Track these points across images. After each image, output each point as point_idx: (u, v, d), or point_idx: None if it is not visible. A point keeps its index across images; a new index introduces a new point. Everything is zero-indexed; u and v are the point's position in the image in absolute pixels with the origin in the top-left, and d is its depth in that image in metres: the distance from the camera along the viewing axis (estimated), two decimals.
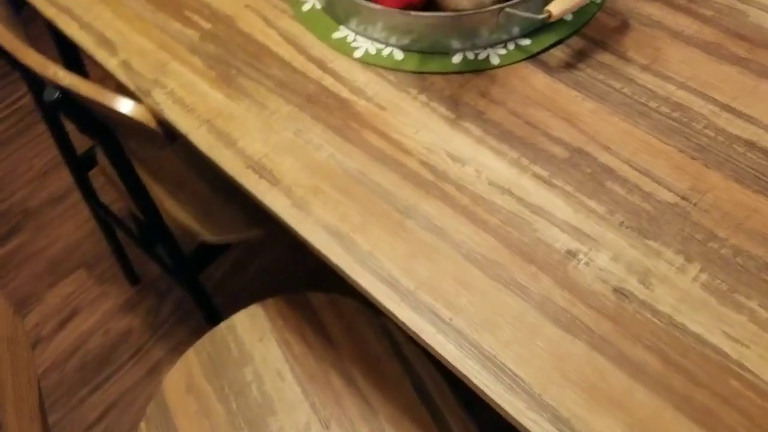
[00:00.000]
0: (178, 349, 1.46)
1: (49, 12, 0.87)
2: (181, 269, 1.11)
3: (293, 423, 0.82)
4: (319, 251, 0.64)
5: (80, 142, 1.23)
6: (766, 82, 0.72)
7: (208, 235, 1.07)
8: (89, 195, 1.29)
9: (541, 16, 0.71)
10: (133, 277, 1.55)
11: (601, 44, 0.77)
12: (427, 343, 0.57)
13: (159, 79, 0.79)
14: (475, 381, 0.55)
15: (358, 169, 0.69)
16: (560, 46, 0.77)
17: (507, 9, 0.73)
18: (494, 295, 0.59)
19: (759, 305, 0.57)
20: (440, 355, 0.57)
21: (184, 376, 0.88)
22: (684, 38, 0.77)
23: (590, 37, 0.78)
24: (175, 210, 1.09)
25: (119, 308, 1.55)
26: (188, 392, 0.87)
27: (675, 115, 0.70)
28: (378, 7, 0.76)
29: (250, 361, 0.88)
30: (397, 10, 0.75)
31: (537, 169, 0.67)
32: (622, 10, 0.80)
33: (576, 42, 0.78)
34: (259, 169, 0.70)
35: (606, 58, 0.76)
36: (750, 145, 0.67)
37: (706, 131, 0.69)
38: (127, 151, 0.94)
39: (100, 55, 0.82)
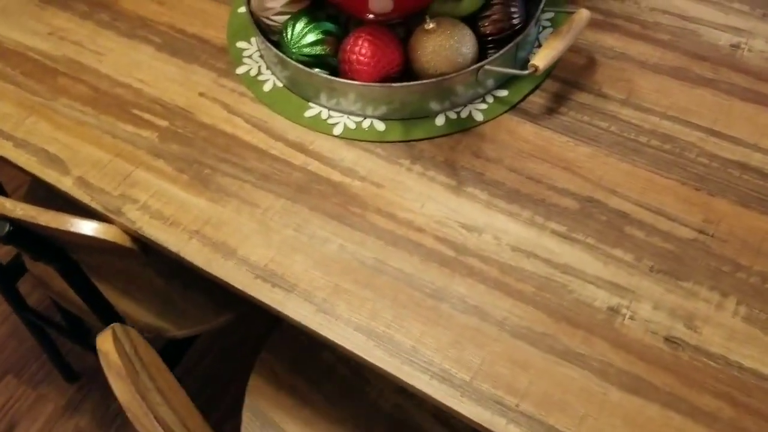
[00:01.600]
0: None
1: None
2: None
3: (389, 384, 0.83)
4: (360, 357, 0.60)
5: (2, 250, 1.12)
6: (737, 101, 0.75)
7: (175, 331, 0.99)
8: (19, 305, 1.17)
9: (526, 72, 0.70)
10: (70, 373, 1.42)
11: (575, 84, 0.78)
12: None
13: (126, 193, 0.72)
14: None
15: (374, 257, 0.66)
16: (537, 92, 0.77)
17: (487, 67, 0.72)
18: (553, 370, 0.58)
19: None
20: None
21: (269, 377, 0.86)
22: (651, 67, 0.79)
23: (562, 78, 0.78)
24: (132, 310, 1.01)
25: (62, 410, 1.42)
26: (278, 390, 0.85)
27: (667, 147, 0.72)
28: (355, 82, 0.72)
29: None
30: (378, 84, 0.72)
31: (554, 226, 0.67)
32: (585, 46, 0.81)
33: (550, 85, 0.78)
34: (270, 276, 0.65)
35: (584, 97, 0.76)
36: (743, 167, 0.70)
37: (700, 159, 0.71)
38: (84, 268, 0.86)
39: (50, 176, 0.73)
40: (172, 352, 1.05)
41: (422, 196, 0.70)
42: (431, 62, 0.72)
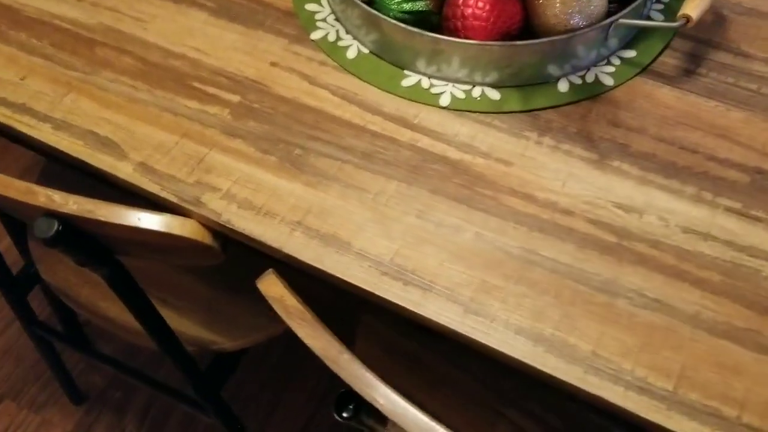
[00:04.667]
0: None
1: None
2: (203, 389, 0.89)
3: None
4: (530, 366, 0.49)
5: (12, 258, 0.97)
6: None
7: (226, 343, 0.86)
8: (28, 320, 1.02)
9: (676, 24, 0.60)
10: (76, 395, 1.27)
11: (709, 43, 0.68)
12: None
13: (203, 180, 0.59)
14: None
15: (520, 246, 0.55)
16: (667, 52, 0.67)
17: (622, 20, 0.62)
18: None
19: None
20: None
21: (378, 342, 0.76)
22: None
23: (693, 37, 0.69)
24: (173, 321, 0.87)
25: None
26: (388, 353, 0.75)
27: None
28: (470, 41, 0.61)
29: None
30: (497, 43, 0.61)
31: (726, 202, 0.57)
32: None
33: (681, 44, 0.68)
34: (399, 273, 0.53)
35: (723, 57, 0.67)
36: None
37: None
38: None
39: (103, 162, 0.60)
40: (223, 366, 0.92)
41: (561, 173, 0.59)
42: (560, 15, 0.61)
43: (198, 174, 0.59)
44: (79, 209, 0.57)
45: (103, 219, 0.56)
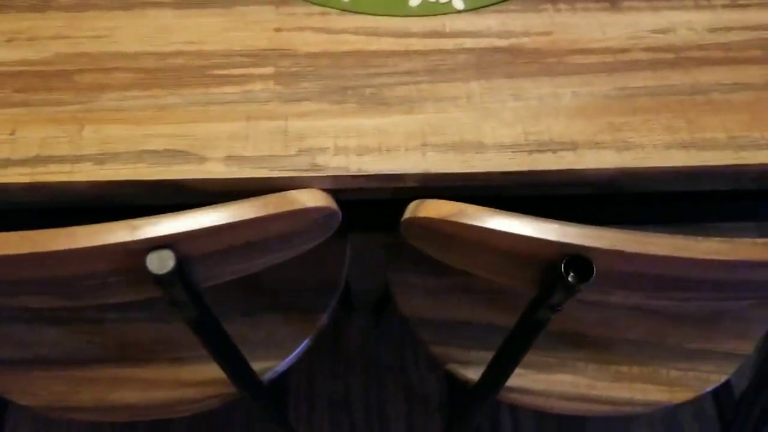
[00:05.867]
0: None
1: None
2: (286, 423, 0.81)
3: None
4: (711, 167, 0.54)
5: None
6: None
7: (278, 363, 0.80)
8: None
9: None
10: None
11: None
12: None
13: (304, 147, 0.54)
14: None
15: (612, 88, 0.59)
16: None
17: None
18: None
19: None
20: None
21: None
22: None
23: None
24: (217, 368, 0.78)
25: None
26: None
27: None
28: None
29: None
30: None
31: (719, 2, 0.67)
32: None
33: None
34: (541, 147, 0.55)
35: None
36: None
37: None
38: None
39: (186, 171, 0.52)
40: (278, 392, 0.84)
41: (593, 25, 0.65)
42: None
43: (294, 144, 0.55)
44: (191, 224, 0.49)
45: (234, 220, 0.49)
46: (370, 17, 0.65)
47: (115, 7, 0.65)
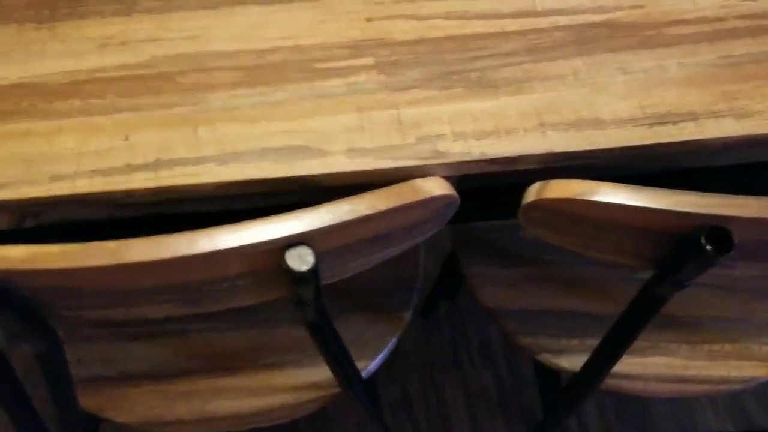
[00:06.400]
0: None
1: None
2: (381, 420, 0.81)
3: None
4: None
5: None
6: None
7: (370, 362, 0.79)
8: None
9: None
10: None
11: None
12: None
13: (421, 135, 0.54)
14: None
15: (716, 57, 0.59)
16: None
17: None
18: None
19: None
20: None
21: None
22: None
23: None
24: (316, 374, 0.77)
25: None
26: None
27: None
28: None
29: None
30: None
31: None
32: None
33: None
34: (660, 119, 0.55)
35: None
36: None
37: None
38: None
39: (310, 167, 0.52)
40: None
41: None
42: None
43: (411, 133, 0.54)
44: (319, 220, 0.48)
45: (371, 212, 0.49)
46: (457, 1, 0.65)
47: (201, 6, 0.64)
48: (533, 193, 0.52)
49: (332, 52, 0.60)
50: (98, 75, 0.58)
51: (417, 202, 0.51)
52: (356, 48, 0.61)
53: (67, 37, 0.61)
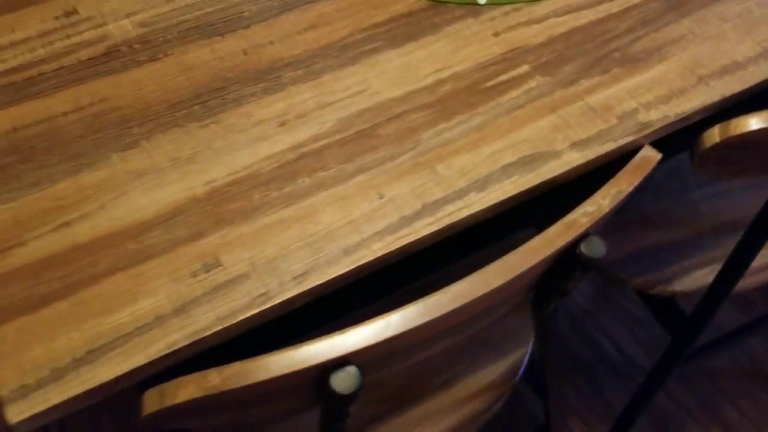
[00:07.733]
0: None
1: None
2: None
3: None
4: None
5: None
6: None
7: (521, 350, 0.85)
8: None
9: None
10: None
11: None
12: None
13: (619, 114, 0.61)
14: None
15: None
16: None
17: None
18: None
19: None
20: None
21: None
22: None
23: None
24: (483, 376, 0.82)
25: None
26: None
27: None
28: None
29: None
30: None
31: None
32: None
33: None
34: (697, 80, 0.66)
35: None
36: None
37: None
38: None
39: (550, 169, 0.57)
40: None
41: None
42: None
43: (609, 115, 0.61)
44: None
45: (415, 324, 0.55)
46: (511, 8, 0.72)
47: (342, 65, 0.66)
48: (716, 134, 0.61)
49: (489, 70, 0.65)
50: (302, 150, 0.59)
51: (649, 171, 0.58)
52: (506, 61, 0.66)
53: (240, 126, 0.61)
